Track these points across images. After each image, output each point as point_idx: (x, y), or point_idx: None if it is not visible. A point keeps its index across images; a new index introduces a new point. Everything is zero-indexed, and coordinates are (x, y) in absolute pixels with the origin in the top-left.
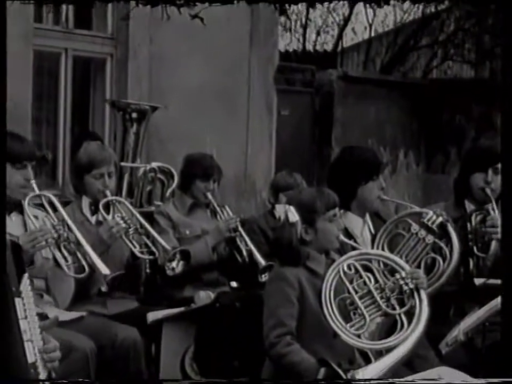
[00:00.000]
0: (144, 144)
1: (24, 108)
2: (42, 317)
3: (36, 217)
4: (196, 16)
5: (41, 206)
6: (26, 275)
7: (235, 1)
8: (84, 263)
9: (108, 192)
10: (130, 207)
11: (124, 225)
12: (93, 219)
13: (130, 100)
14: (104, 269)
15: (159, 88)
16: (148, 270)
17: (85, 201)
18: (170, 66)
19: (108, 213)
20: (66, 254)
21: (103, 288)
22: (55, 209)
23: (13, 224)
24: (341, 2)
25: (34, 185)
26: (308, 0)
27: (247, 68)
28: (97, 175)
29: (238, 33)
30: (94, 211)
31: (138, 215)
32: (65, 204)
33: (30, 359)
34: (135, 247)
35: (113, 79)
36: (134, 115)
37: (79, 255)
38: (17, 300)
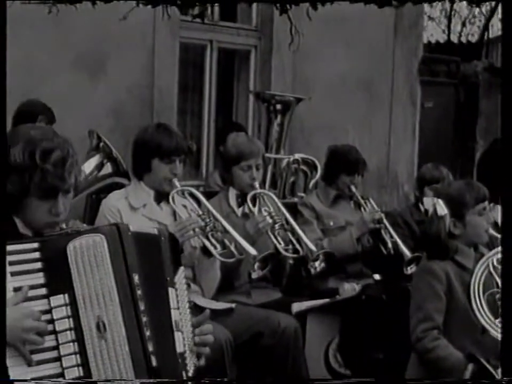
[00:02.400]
0: (287, 135)
1: (170, 99)
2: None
3: (185, 206)
4: (196, 16)
5: (189, 195)
6: (182, 268)
7: (236, 2)
8: (232, 249)
9: (256, 184)
10: (278, 202)
11: (270, 221)
12: (239, 211)
13: (273, 91)
14: (252, 251)
15: (302, 80)
16: (291, 261)
17: (232, 193)
18: (313, 58)
19: (254, 205)
20: (214, 242)
21: (254, 274)
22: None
23: (162, 213)
24: None
25: (176, 182)
26: (310, 0)
27: (391, 59)
28: (245, 167)
29: (383, 24)
30: (241, 203)
31: (285, 211)
32: (209, 194)
33: (179, 349)
34: (279, 243)
35: (257, 71)
36: (279, 106)
37: (226, 242)
38: (170, 290)
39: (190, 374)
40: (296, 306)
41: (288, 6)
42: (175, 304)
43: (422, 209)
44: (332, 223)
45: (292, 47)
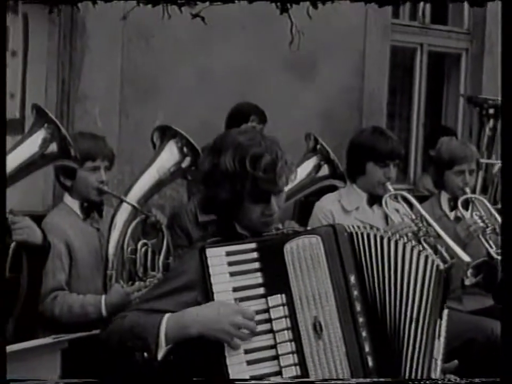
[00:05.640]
0: (499, 140)
1: (380, 102)
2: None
3: (397, 210)
4: (196, 16)
5: (402, 199)
6: (446, 311)
7: (235, 1)
8: (444, 254)
9: (467, 189)
10: (490, 207)
11: (481, 224)
12: (451, 215)
13: (484, 95)
14: (466, 257)
15: None
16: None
17: (444, 197)
18: None
19: (466, 210)
20: (426, 246)
21: (467, 281)
22: (412, 204)
23: (375, 216)
24: None
25: (390, 186)
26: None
27: None
28: (458, 171)
29: None
30: (453, 207)
31: (498, 216)
32: (418, 199)
33: (434, 375)
34: (491, 247)
35: (468, 74)
36: (491, 111)
37: (439, 247)
38: (438, 321)
39: None
40: None
41: (288, 5)
42: (438, 334)
43: None
44: None
45: (292, 47)
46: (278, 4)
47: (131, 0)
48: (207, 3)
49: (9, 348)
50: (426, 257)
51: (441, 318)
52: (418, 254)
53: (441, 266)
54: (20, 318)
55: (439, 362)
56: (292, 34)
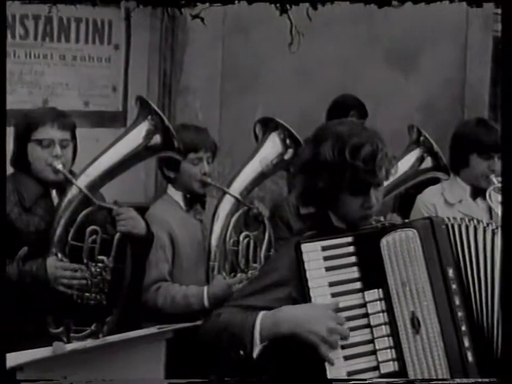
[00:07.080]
0: None
1: (482, 94)
2: None
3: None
4: (196, 17)
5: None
6: None
7: (236, 1)
8: None
9: None
10: None
11: None
12: None
13: None
14: None
15: None
16: None
17: None
18: None
19: None
20: None
21: None
22: None
23: (478, 210)
24: None
25: (494, 179)
26: (309, 0)
27: None
28: None
29: None
30: None
31: None
32: None
33: None
34: None
35: None
36: None
37: None
38: None
39: None
40: None
41: (288, 6)
42: None
43: None
44: None
45: (292, 48)
46: (278, 5)
47: (132, 1)
48: (207, 4)
49: (115, 338)
50: None
51: None
52: None
53: None
54: (124, 308)
55: None
56: (291, 35)
